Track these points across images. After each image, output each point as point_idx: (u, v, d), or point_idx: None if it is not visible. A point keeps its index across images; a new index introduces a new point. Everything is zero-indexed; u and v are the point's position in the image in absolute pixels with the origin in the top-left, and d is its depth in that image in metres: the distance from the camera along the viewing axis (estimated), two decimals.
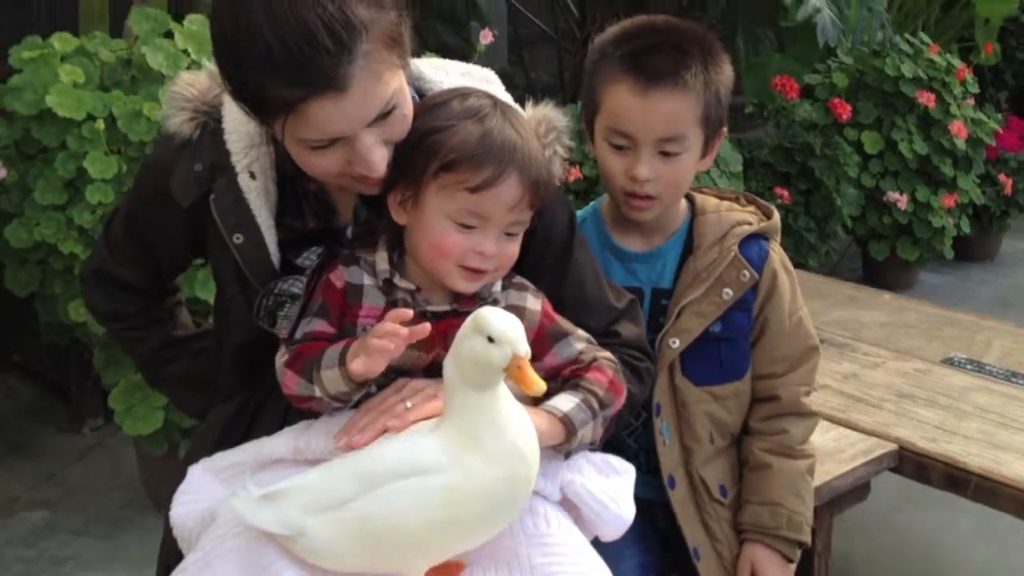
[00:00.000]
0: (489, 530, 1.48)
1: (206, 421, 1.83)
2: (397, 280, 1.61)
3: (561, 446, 1.62)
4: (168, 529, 1.67)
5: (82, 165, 2.96)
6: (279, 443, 1.63)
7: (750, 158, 4.39)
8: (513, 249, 1.61)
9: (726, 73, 1.90)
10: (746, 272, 1.91)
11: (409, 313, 1.49)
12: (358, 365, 1.48)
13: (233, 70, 1.50)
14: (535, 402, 1.60)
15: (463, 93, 1.63)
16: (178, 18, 3.20)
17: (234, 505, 1.49)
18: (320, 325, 1.60)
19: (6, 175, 3.07)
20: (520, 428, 1.46)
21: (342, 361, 1.51)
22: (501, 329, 1.41)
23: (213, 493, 1.63)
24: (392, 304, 1.60)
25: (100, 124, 2.98)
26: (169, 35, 3.14)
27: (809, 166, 4.44)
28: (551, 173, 1.64)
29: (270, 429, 1.67)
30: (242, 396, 1.78)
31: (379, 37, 1.48)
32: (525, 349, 1.43)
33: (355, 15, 1.45)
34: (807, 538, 1.96)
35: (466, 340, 1.43)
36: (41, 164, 3.08)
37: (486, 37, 3.72)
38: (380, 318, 1.57)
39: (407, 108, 1.58)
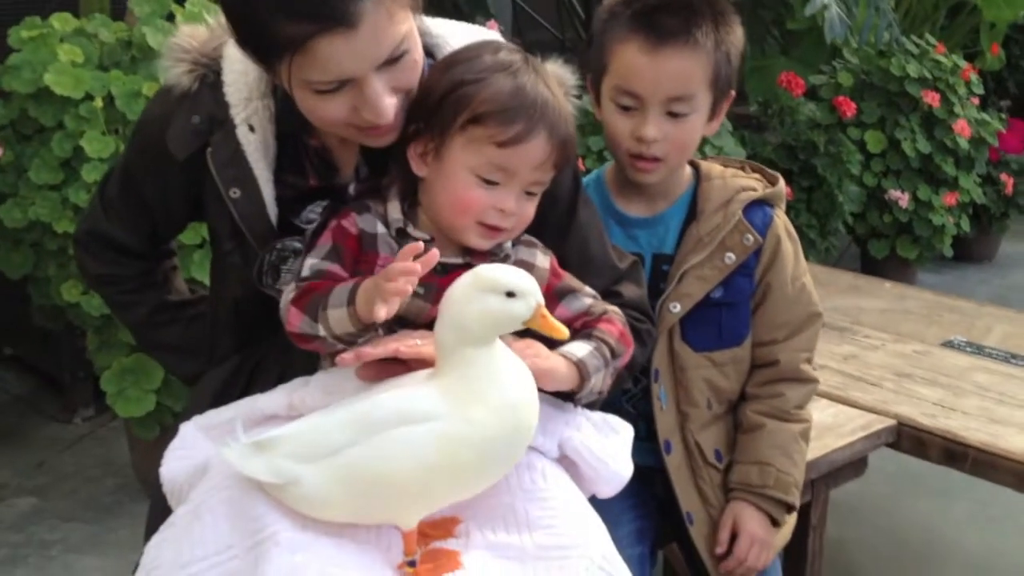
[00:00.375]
0: (484, 481, 1.45)
1: (201, 382, 1.80)
2: (411, 230, 1.59)
3: (573, 392, 1.59)
4: (158, 488, 1.64)
5: (79, 144, 2.95)
6: (273, 399, 1.60)
7: (753, 154, 4.38)
8: (531, 209, 1.60)
9: (736, 34, 1.88)
10: (749, 236, 1.89)
11: (420, 246, 1.44)
12: (380, 312, 1.41)
13: (241, 8, 1.48)
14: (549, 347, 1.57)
15: (495, 47, 1.60)
16: (180, 1, 3.19)
17: (225, 454, 1.46)
18: (333, 267, 1.57)
19: (2, 155, 3.05)
20: (520, 380, 1.43)
21: (351, 301, 1.47)
22: (519, 282, 1.40)
23: (205, 449, 1.60)
24: None
25: (99, 103, 2.96)
26: (171, 18, 3.14)
27: (812, 163, 4.44)
28: (575, 133, 1.62)
29: (266, 390, 1.64)
30: (238, 357, 1.76)
31: None
32: (542, 297, 1.42)
33: None
34: (795, 500, 1.94)
35: (473, 302, 1.39)
36: (37, 144, 3.06)
37: (492, 28, 3.72)
38: None
39: (418, 55, 1.55)
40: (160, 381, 2.98)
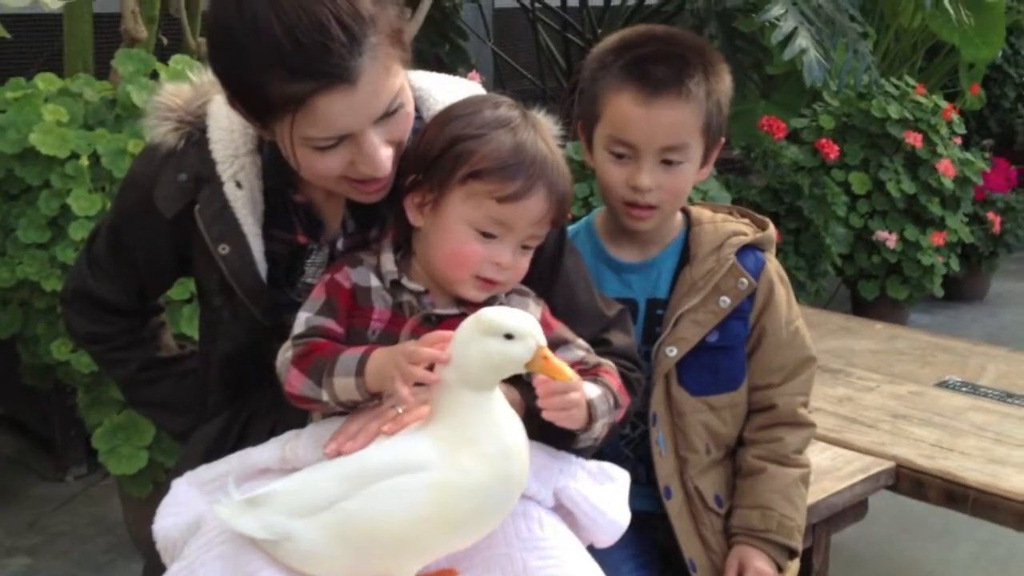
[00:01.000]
0: (479, 530, 1.44)
1: (192, 438, 1.78)
2: (405, 282, 1.58)
3: (578, 432, 1.57)
4: (152, 546, 1.62)
5: (66, 203, 2.94)
6: (265, 453, 1.58)
7: (738, 198, 4.39)
8: (525, 263, 1.60)
9: (726, 82, 1.89)
10: (744, 280, 1.89)
11: (447, 334, 1.43)
12: (403, 392, 1.41)
13: (237, 68, 1.48)
14: None
15: (494, 101, 1.61)
16: (163, 59, 3.20)
17: (217, 511, 1.45)
18: (328, 323, 1.56)
19: None
20: (513, 428, 1.43)
21: (359, 371, 1.47)
22: (519, 324, 1.39)
23: (198, 505, 1.59)
24: (398, 307, 1.57)
25: (84, 161, 2.96)
26: (154, 76, 3.14)
27: (798, 206, 4.44)
28: (573, 189, 1.62)
29: (258, 443, 1.62)
30: (229, 413, 1.75)
31: (384, 30, 1.47)
32: (544, 339, 1.41)
33: (363, 7, 1.44)
34: (798, 545, 1.93)
35: (474, 343, 1.39)
36: (24, 203, 3.05)
37: (474, 78, 3.73)
38: (389, 322, 1.55)
39: (411, 107, 1.57)
40: (152, 438, 2.95)
